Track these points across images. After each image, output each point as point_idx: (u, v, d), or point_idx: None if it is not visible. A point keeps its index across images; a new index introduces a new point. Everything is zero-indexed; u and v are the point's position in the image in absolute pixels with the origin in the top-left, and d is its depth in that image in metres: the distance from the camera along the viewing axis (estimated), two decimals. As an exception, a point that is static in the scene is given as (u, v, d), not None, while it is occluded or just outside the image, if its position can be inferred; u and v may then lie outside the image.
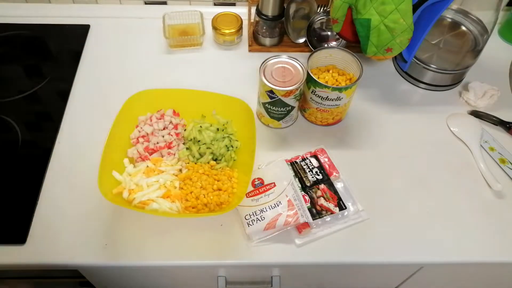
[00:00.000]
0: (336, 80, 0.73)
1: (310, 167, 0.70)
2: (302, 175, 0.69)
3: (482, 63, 0.84)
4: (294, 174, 0.69)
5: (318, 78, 0.72)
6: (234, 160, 0.70)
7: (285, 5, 0.84)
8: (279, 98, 0.69)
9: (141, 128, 0.71)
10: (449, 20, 0.84)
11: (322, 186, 0.68)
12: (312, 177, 0.69)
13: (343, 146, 0.76)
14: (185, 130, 0.72)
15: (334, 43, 0.88)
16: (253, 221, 0.63)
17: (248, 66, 0.86)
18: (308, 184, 0.68)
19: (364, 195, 0.69)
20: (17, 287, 0.84)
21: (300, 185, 0.68)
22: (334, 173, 0.70)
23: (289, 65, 0.71)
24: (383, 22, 0.70)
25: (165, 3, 0.96)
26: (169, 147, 0.69)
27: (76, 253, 0.62)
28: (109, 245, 0.63)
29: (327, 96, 0.70)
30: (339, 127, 0.79)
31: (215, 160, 0.70)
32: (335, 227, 0.65)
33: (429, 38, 0.80)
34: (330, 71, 0.75)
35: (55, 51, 0.89)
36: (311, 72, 0.70)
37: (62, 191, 0.68)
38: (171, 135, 0.70)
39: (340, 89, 0.69)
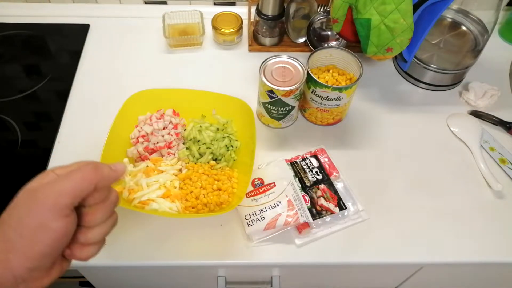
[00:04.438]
0: (336, 80, 0.73)
1: (310, 167, 0.70)
2: (302, 175, 0.69)
3: (482, 63, 0.84)
4: (294, 174, 0.69)
5: (318, 78, 0.72)
6: (234, 160, 0.70)
7: (285, 5, 0.84)
8: (279, 98, 0.69)
9: (141, 128, 0.71)
10: (449, 20, 0.84)
11: (322, 186, 0.68)
12: (312, 177, 0.69)
13: (343, 146, 0.76)
14: (185, 130, 0.72)
15: (334, 43, 0.88)
16: (253, 221, 0.63)
17: (248, 66, 0.86)
18: (308, 184, 0.68)
19: (364, 195, 0.69)
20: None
21: (300, 185, 0.68)
22: (334, 173, 0.70)
23: (289, 65, 0.71)
24: (384, 22, 0.70)
25: (165, 2, 0.96)
26: (169, 147, 0.69)
27: (76, 253, 0.62)
28: (109, 245, 0.63)
29: (327, 96, 0.70)
30: (339, 127, 0.78)
31: (215, 160, 0.70)
32: (335, 227, 0.65)
33: (429, 38, 0.80)
34: (330, 71, 0.74)
35: (55, 51, 0.89)
36: (311, 72, 0.70)
37: (62, 191, 0.68)
38: (171, 135, 0.70)
39: (340, 89, 0.69)
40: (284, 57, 0.71)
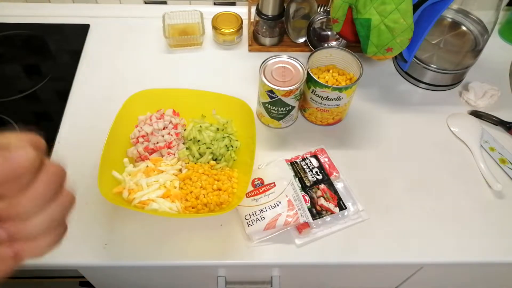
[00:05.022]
0: (336, 80, 0.73)
1: (310, 167, 0.70)
2: (302, 175, 0.69)
3: (482, 63, 0.84)
4: (294, 174, 0.69)
5: (318, 78, 0.72)
6: (234, 160, 0.70)
7: (285, 5, 0.84)
8: (279, 98, 0.69)
9: (141, 127, 0.71)
10: (449, 20, 0.84)
11: (322, 186, 0.68)
12: (312, 177, 0.69)
13: (343, 146, 0.76)
14: (185, 130, 0.72)
15: (334, 43, 0.88)
16: (253, 221, 0.63)
17: (248, 66, 0.86)
18: (308, 184, 0.68)
19: (364, 195, 0.69)
20: (17, 287, 0.84)
21: (300, 185, 0.68)
22: (334, 173, 0.70)
23: (289, 65, 0.71)
24: (383, 22, 0.70)
25: (165, 2, 0.96)
26: (169, 147, 0.69)
27: (76, 253, 0.62)
28: (109, 245, 0.63)
29: (327, 96, 0.70)
30: (339, 127, 0.78)
31: (215, 160, 0.70)
32: (335, 227, 0.65)
33: (429, 38, 0.80)
34: (330, 71, 0.74)
35: (55, 51, 0.89)
36: (311, 72, 0.70)
37: (62, 191, 0.68)
38: (171, 135, 0.70)
39: (340, 89, 0.69)
40: (284, 57, 0.71)
